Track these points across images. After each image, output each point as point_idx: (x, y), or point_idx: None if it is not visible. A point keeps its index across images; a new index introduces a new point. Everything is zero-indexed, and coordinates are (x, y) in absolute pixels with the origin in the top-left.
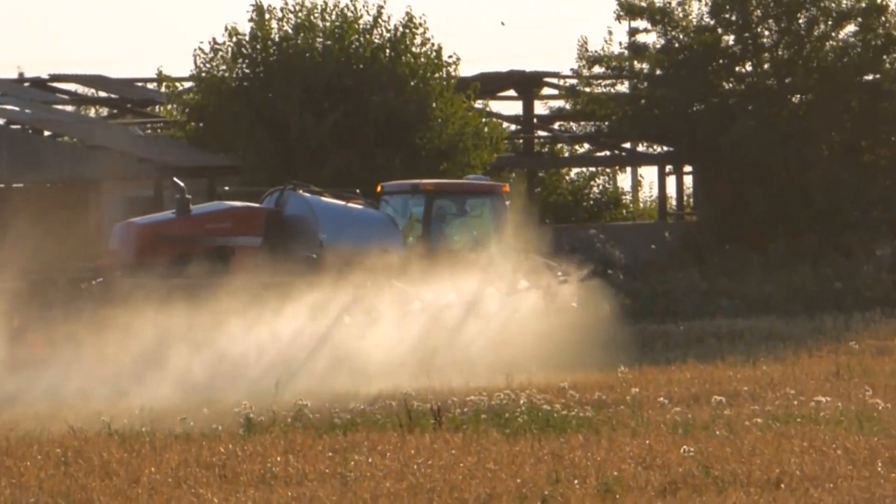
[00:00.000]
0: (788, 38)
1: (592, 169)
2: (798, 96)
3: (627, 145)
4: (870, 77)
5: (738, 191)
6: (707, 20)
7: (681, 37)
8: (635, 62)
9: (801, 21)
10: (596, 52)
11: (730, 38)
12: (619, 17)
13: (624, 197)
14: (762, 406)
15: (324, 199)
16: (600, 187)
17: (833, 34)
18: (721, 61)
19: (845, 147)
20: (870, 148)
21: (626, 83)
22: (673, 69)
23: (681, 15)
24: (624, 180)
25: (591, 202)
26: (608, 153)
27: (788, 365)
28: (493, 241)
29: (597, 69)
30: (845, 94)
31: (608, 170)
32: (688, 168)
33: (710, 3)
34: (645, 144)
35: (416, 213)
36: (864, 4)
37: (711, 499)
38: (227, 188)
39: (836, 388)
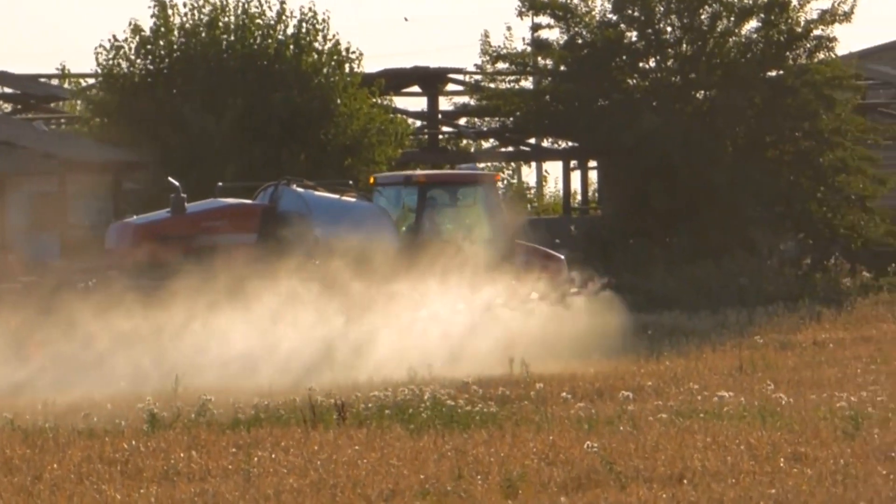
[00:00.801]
0: (691, 33)
1: (497, 164)
2: (702, 92)
3: (532, 141)
4: (773, 73)
5: (643, 186)
6: (610, 16)
7: (584, 33)
8: (539, 58)
9: (703, 17)
10: (499, 48)
11: (633, 34)
12: (521, 14)
13: (529, 192)
14: (666, 401)
15: (317, 193)
16: (505, 182)
17: (736, 30)
18: (624, 57)
19: (749, 142)
20: (773, 143)
21: (531, 79)
22: (576, 65)
23: (584, 11)
24: (529, 175)
25: None
26: (513, 149)
27: (692, 360)
28: (486, 229)
29: (501, 65)
30: (749, 89)
31: (513, 164)
32: (593, 163)
33: None
34: (550, 140)
35: (408, 203)
36: (766, 0)
37: (614, 494)
38: (220, 184)
39: (740, 383)
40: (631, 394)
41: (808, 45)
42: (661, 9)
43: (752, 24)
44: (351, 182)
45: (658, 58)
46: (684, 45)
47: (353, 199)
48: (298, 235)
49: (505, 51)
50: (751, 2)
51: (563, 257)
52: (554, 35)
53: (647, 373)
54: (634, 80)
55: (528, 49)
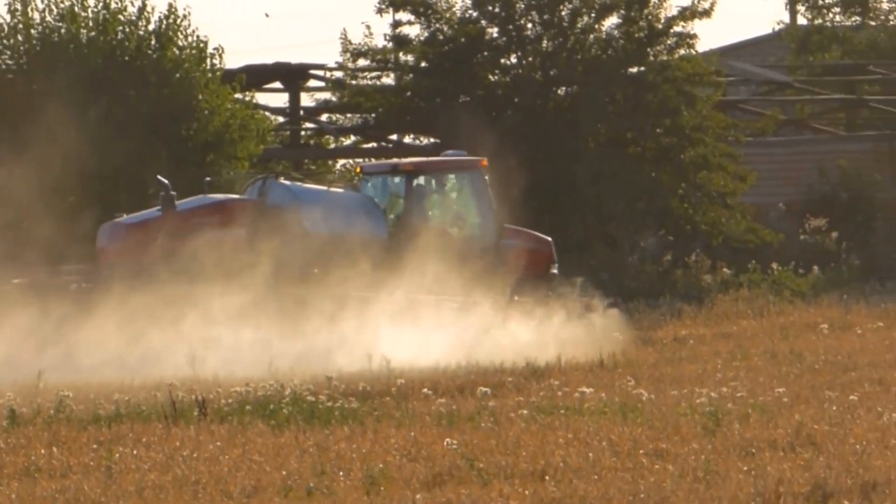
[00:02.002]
0: (552, 30)
1: (360, 160)
2: (563, 88)
3: (394, 137)
4: (634, 70)
5: (505, 182)
6: (471, 12)
7: (444, 29)
8: (399, 55)
9: (564, 13)
10: (360, 45)
11: (494, 31)
12: (381, 10)
13: None
14: (527, 397)
15: (305, 185)
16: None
17: (597, 27)
18: (485, 53)
19: (611, 139)
20: (635, 140)
21: (392, 76)
22: (437, 61)
23: (444, 7)
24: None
25: None
26: (375, 145)
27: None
28: (475, 215)
29: (362, 62)
30: (610, 86)
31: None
32: None
33: None
34: (412, 136)
35: (396, 191)
36: None
37: (476, 491)
38: (208, 179)
39: (600, 379)
40: (490, 390)
41: (669, 42)
42: (522, 5)
43: (613, 20)
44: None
45: (519, 54)
46: (545, 42)
47: (342, 190)
48: (288, 229)
49: (366, 47)
50: None
51: (550, 239)
52: (415, 31)
53: (508, 368)
54: (496, 77)
55: (389, 45)
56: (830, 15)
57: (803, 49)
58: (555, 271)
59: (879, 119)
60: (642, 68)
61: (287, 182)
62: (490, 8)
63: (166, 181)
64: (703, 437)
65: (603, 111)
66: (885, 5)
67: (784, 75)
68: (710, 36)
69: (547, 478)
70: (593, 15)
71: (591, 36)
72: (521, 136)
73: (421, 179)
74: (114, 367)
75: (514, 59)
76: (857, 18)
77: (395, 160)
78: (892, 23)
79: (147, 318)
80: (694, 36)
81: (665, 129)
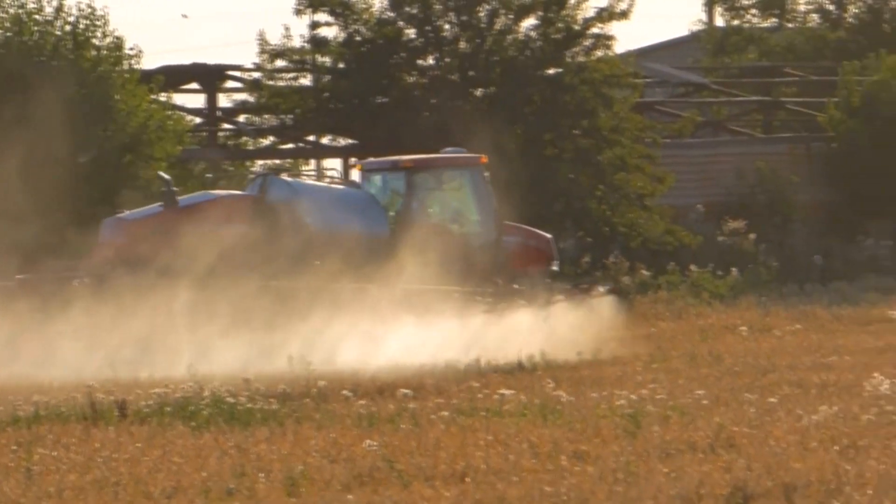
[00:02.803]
0: (470, 31)
1: (277, 161)
2: (480, 90)
3: (312, 138)
4: (551, 71)
5: None
6: (388, 14)
7: (362, 30)
8: (317, 56)
9: (481, 14)
10: (278, 45)
11: (411, 32)
12: (299, 12)
13: None
14: (447, 399)
15: (307, 182)
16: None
17: (514, 28)
18: (403, 54)
19: (528, 140)
20: (552, 141)
21: (310, 77)
22: (355, 62)
23: (362, 8)
24: (310, 173)
25: None
26: (293, 146)
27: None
28: (475, 212)
29: (280, 62)
30: (527, 87)
31: (290, 161)
32: None
33: None
34: (329, 137)
35: (396, 189)
36: None
37: (396, 492)
38: (209, 175)
39: (520, 381)
40: (411, 391)
41: (586, 44)
42: (439, 7)
43: (531, 21)
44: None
45: (436, 55)
46: (462, 43)
47: (342, 187)
48: (290, 225)
49: (283, 48)
50: (528, 0)
51: (549, 236)
52: (333, 32)
53: (427, 371)
54: (413, 78)
55: (307, 46)
56: (748, 17)
57: (720, 51)
58: (555, 268)
59: (796, 121)
60: (559, 70)
61: (288, 178)
62: (407, 9)
63: (168, 177)
64: (623, 439)
65: (520, 112)
66: (801, 7)
67: (701, 77)
68: (627, 37)
69: (467, 479)
70: (511, 16)
71: (509, 37)
72: (438, 137)
73: (421, 176)
74: (36, 366)
75: (431, 60)
76: (775, 20)
77: (395, 157)
78: (808, 25)
79: (100, 317)
80: (611, 37)
81: (582, 130)
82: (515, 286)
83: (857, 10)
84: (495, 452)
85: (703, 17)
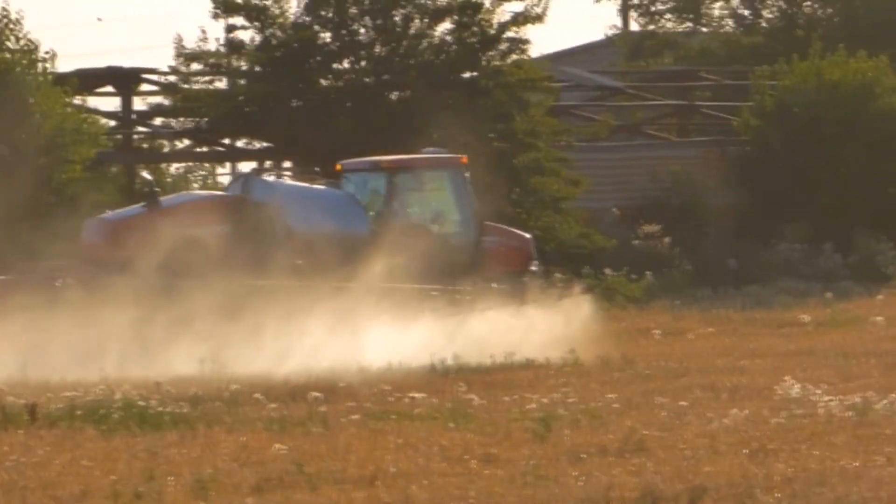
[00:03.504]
0: (385, 35)
1: (192, 164)
2: (396, 93)
3: (227, 141)
4: (467, 75)
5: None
6: (304, 18)
7: (278, 34)
8: (233, 59)
9: (397, 18)
10: (193, 49)
11: (327, 35)
12: (216, 15)
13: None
14: (359, 402)
15: (288, 182)
16: (199, 183)
17: (430, 32)
18: (318, 58)
19: (443, 143)
20: (468, 144)
21: (226, 80)
22: (271, 66)
23: (277, 12)
24: (225, 176)
25: None
26: (208, 149)
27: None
28: (455, 213)
29: (196, 66)
30: (443, 91)
31: (206, 165)
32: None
33: (306, 1)
34: (245, 140)
35: (375, 189)
36: (459, 1)
37: (306, 496)
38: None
39: (432, 384)
40: (323, 395)
41: (502, 47)
42: (355, 10)
43: (446, 25)
44: (317, 168)
45: (352, 59)
46: (378, 47)
47: (323, 187)
48: (272, 225)
49: (199, 52)
50: (444, 3)
51: (529, 236)
52: (249, 36)
53: (339, 374)
54: (329, 81)
55: (223, 50)
56: (663, 21)
57: (636, 55)
58: (535, 268)
59: (711, 125)
60: (475, 73)
61: (270, 178)
62: (323, 13)
63: (150, 177)
64: (534, 443)
65: (435, 116)
66: (716, 12)
67: (617, 81)
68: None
69: (377, 482)
70: (426, 20)
71: (424, 41)
72: (353, 140)
73: (401, 177)
74: None
75: (347, 64)
76: (689, 25)
77: (376, 158)
78: (723, 30)
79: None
80: (527, 41)
81: (498, 133)
82: (494, 285)
83: (771, 16)
84: (405, 456)
85: (619, 21)
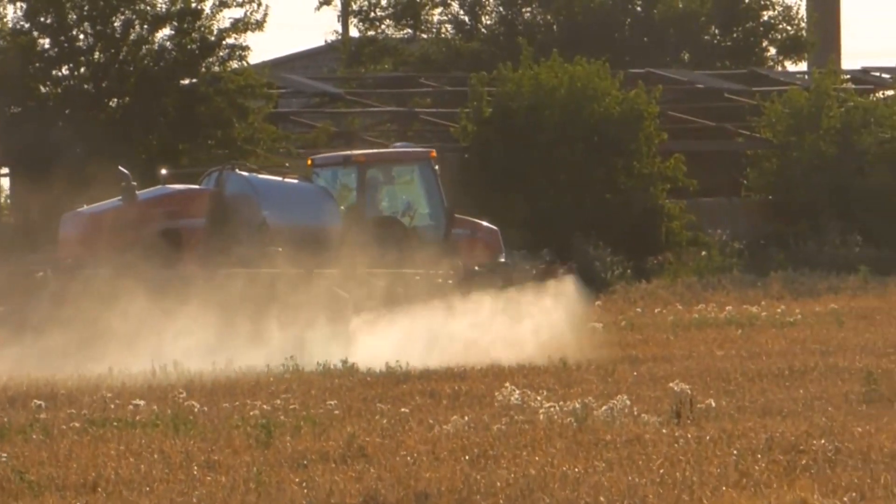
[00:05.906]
0: (104, 41)
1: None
2: (115, 100)
3: None
4: (187, 81)
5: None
6: (23, 23)
7: None
8: None
9: (116, 24)
10: None
11: (46, 41)
12: None
13: None
14: (79, 410)
15: (262, 176)
16: None
17: (150, 38)
18: (38, 64)
19: (163, 151)
20: (187, 151)
21: None
22: None
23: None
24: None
25: None
26: None
27: (105, 366)
28: (425, 206)
29: None
30: (162, 98)
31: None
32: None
33: (24, 7)
34: None
35: (346, 183)
36: (179, 7)
37: (27, 503)
38: (164, 171)
39: (154, 391)
40: (44, 402)
41: (221, 54)
42: (74, 16)
43: (166, 32)
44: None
45: (71, 65)
46: (98, 53)
47: (297, 181)
48: (247, 219)
49: None
50: (164, 10)
51: (496, 228)
52: None
53: (62, 380)
54: (47, 88)
55: None
56: (382, 27)
57: (355, 61)
58: (503, 259)
59: (430, 131)
60: (194, 80)
61: (244, 172)
62: (42, 19)
63: (127, 171)
64: (256, 449)
65: (155, 123)
66: (436, 18)
67: (336, 88)
68: (263, 48)
69: (99, 490)
70: (146, 26)
71: (144, 47)
72: (72, 148)
73: (372, 171)
74: None
75: (65, 71)
76: (409, 31)
77: (347, 152)
78: (443, 36)
79: None
80: (246, 48)
81: (217, 140)
82: (476, 268)
83: (490, 22)
84: (127, 463)
85: (339, 27)
